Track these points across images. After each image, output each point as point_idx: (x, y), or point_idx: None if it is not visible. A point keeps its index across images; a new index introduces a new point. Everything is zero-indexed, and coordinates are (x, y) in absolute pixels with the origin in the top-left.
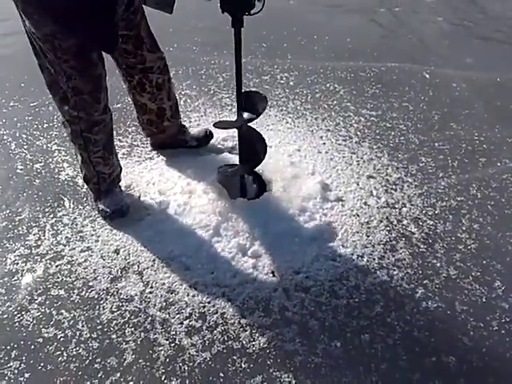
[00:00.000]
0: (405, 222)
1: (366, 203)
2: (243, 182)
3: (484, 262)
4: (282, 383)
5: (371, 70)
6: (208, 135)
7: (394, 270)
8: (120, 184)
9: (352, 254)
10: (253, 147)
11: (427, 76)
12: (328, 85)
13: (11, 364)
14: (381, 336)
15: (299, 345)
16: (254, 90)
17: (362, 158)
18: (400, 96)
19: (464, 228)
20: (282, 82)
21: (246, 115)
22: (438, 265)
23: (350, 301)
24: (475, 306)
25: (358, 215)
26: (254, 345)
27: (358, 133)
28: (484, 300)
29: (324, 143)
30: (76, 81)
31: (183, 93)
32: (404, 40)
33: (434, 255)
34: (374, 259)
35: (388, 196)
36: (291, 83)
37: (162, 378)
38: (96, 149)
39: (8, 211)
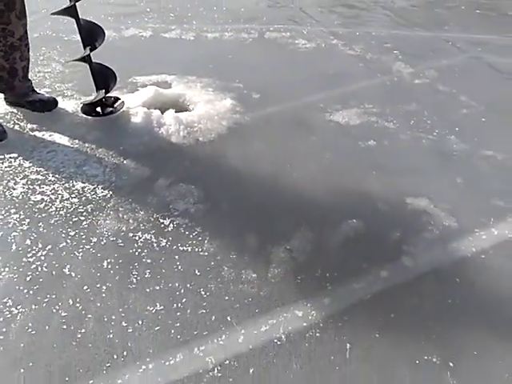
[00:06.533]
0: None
1: None
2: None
3: None
4: None
5: (262, 30)
6: (52, 101)
7: None
8: None
9: None
10: (104, 76)
11: (305, 32)
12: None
13: (12, 216)
14: None
15: None
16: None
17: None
18: (283, 47)
19: None
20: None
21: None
22: None
23: None
24: None
25: None
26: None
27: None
28: None
29: None
30: None
31: None
32: (287, 9)
33: None
34: None
35: None
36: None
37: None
38: None
39: None
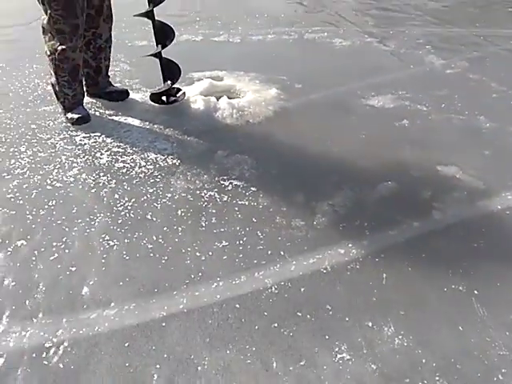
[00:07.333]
0: None
1: None
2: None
3: None
4: None
5: (301, 32)
6: (125, 92)
7: None
8: (83, 105)
9: None
10: (171, 70)
11: (341, 32)
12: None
13: (102, 178)
14: None
15: None
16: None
17: None
18: (322, 45)
19: None
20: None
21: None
22: None
23: None
24: None
25: None
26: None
27: None
28: None
29: None
30: (60, 25)
31: None
32: (324, 14)
33: None
34: None
35: None
36: None
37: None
38: (63, 74)
39: None
